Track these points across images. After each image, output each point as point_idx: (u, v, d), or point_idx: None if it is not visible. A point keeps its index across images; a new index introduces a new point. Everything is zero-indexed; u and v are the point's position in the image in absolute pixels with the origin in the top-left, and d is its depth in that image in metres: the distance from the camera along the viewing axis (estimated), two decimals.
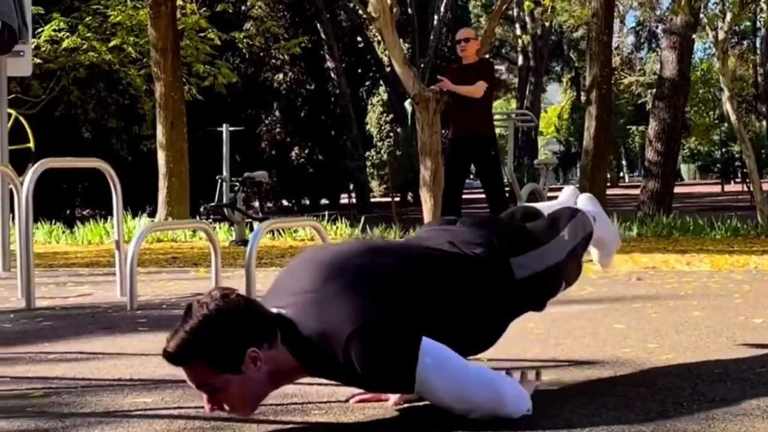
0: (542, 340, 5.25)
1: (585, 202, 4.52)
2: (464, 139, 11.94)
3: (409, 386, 3.38)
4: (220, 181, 15.93)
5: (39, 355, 5.27)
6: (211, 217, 15.88)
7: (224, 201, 15.60)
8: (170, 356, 3.34)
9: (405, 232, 17.46)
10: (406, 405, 3.76)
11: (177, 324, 3.35)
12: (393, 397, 3.85)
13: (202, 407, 3.80)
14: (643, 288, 7.63)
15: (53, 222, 18.90)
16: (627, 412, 3.59)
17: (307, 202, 40.85)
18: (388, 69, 37.66)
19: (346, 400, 3.93)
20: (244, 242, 15.56)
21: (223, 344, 3.34)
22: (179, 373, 4.49)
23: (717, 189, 53.57)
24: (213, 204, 15.67)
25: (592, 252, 4.69)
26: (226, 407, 3.47)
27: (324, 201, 41.21)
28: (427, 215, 18.91)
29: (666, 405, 3.69)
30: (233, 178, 16.10)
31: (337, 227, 17.27)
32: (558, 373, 4.36)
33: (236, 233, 15.61)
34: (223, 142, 16.45)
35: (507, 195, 13.03)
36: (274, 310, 3.48)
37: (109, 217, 18.04)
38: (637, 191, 26.21)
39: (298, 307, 3.46)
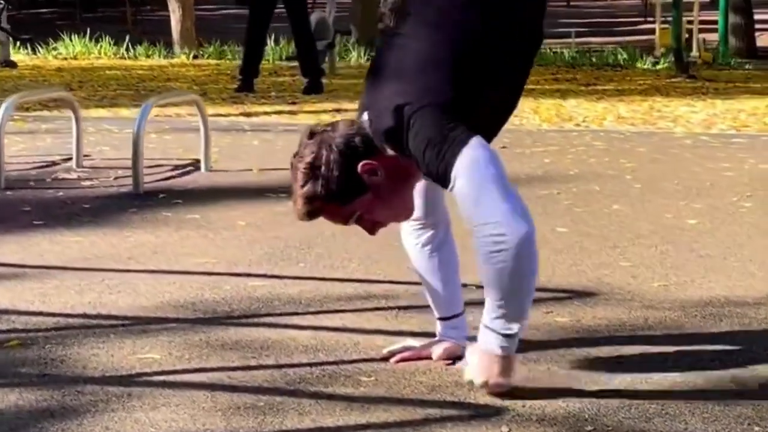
0: None
1: None
2: None
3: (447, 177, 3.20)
4: None
5: None
6: None
7: None
8: (304, 217, 3.37)
9: (151, 42, 16.92)
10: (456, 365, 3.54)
11: (292, 188, 3.33)
12: (435, 354, 3.63)
13: (220, 368, 3.57)
14: (522, 161, 7.50)
15: None
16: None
17: None
18: None
19: (386, 359, 3.67)
20: (9, 64, 14.79)
21: (337, 178, 3.28)
22: (143, 301, 4.19)
23: None
24: None
25: None
26: (385, 223, 3.43)
27: None
28: (175, 25, 18.28)
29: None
30: None
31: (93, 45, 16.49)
32: (569, 310, 4.21)
33: (0, 53, 14.94)
34: None
35: None
36: (365, 117, 3.37)
37: None
38: None
39: (376, 102, 3.34)
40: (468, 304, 3.74)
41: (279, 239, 5.31)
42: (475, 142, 3.18)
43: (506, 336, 3.23)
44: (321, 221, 3.46)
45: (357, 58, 17.20)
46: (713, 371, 3.57)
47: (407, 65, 3.31)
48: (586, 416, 3.21)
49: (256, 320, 4.11)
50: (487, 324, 3.24)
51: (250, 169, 7.23)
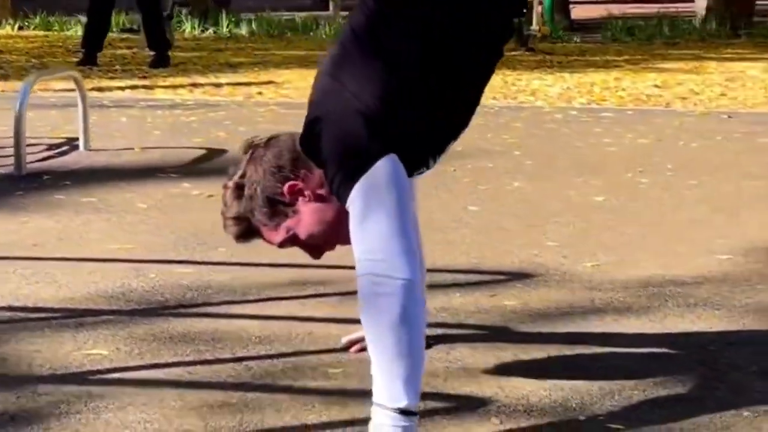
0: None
1: None
2: None
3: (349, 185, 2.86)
4: None
5: None
6: None
7: None
8: (238, 239, 3.17)
9: None
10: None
11: (222, 209, 3.13)
12: None
13: (176, 363, 3.43)
14: None
15: None
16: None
17: None
18: None
19: (346, 349, 3.57)
20: None
21: (261, 199, 3.06)
22: (67, 292, 4.06)
23: None
24: None
25: None
26: (326, 246, 3.17)
27: None
28: None
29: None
30: None
31: None
32: (513, 293, 4.16)
33: None
34: None
35: None
36: None
37: None
38: None
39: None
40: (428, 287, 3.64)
41: (187, 222, 5.14)
42: (385, 163, 2.83)
43: (401, 412, 2.77)
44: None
45: (191, 30, 16.92)
46: (679, 354, 3.56)
47: (346, 64, 2.98)
48: (573, 405, 3.15)
49: (195, 310, 3.95)
50: (375, 400, 2.81)
51: (132, 148, 7.00)
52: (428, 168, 3.15)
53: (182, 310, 3.93)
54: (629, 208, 5.48)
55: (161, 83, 10.51)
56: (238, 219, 3.11)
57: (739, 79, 11.33)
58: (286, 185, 3.05)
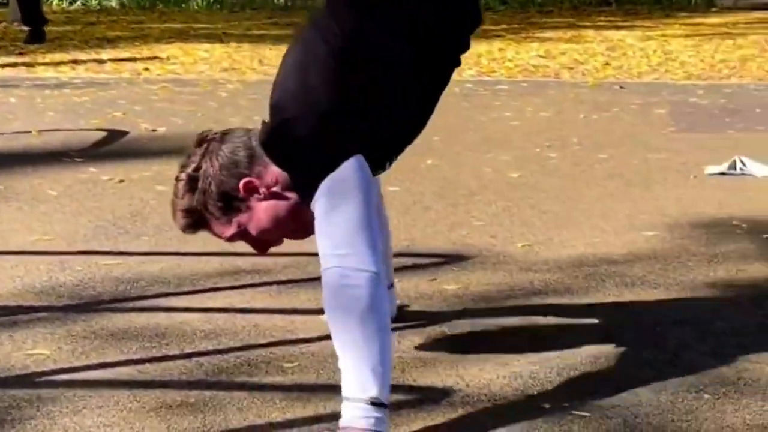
0: None
1: None
2: None
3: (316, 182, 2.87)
4: None
5: None
6: None
7: None
8: (186, 230, 3.15)
9: None
10: None
11: (172, 199, 3.11)
12: None
13: (125, 362, 3.34)
14: None
15: None
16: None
17: None
18: None
19: (299, 342, 3.52)
20: None
21: (215, 194, 3.04)
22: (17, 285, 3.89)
23: None
24: None
25: None
26: (275, 242, 3.17)
27: None
28: None
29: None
30: None
31: None
32: (451, 276, 4.14)
33: None
34: None
35: None
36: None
37: None
38: None
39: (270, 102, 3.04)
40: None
41: (103, 210, 5.01)
42: (351, 163, 2.86)
43: (372, 403, 2.73)
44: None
45: (59, 2, 16.58)
46: (628, 336, 3.56)
47: (312, 63, 2.96)
48: (535, 393, 3.14)
49: (132, 304, 3.85)
50: (345, 394, 2.78)
51: (29, 131, 6.80)
52: (384, 170, 3.16)
53: (118, 305, 3.83)
54: (545, 185, 5.50)
55: (41, 60, 10.27)
56: (189, 211, 3.09)
57: (619, 48, 11.48)
58: (242, 182, 3.03)
